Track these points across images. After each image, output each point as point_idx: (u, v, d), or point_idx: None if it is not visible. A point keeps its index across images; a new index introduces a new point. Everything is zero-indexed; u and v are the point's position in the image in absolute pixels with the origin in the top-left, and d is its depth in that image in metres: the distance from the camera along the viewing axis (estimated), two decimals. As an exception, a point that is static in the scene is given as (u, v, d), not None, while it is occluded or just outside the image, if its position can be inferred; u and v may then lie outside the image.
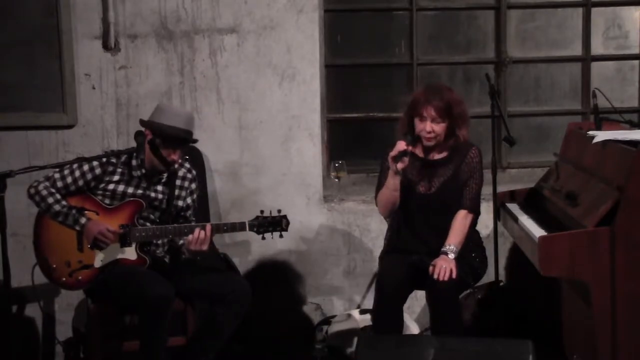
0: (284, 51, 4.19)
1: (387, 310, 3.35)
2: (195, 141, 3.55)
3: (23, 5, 4.03)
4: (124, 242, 3.41)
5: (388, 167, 3.44)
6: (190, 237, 3.33)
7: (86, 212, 3.42)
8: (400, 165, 3.29)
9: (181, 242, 3.49)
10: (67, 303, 4.20)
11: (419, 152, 3.51)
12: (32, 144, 4.13)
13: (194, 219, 3.64)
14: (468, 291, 3.88)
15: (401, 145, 3.28)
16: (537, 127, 4.62)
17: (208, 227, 3.36)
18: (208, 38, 4.16)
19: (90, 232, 3.36)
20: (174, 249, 3.58)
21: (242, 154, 4.25)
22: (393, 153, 3.28)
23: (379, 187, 3.51)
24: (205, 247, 3.35)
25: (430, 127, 3.37)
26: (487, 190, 3.62)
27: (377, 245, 4.12)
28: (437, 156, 3.51)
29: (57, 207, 3.37)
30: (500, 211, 3.81)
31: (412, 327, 3.99)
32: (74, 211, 3.38)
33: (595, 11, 4.53)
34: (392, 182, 3.37)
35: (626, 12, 4.57)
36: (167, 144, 3.39)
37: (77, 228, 3.38)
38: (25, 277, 3.62)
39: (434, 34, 4.52)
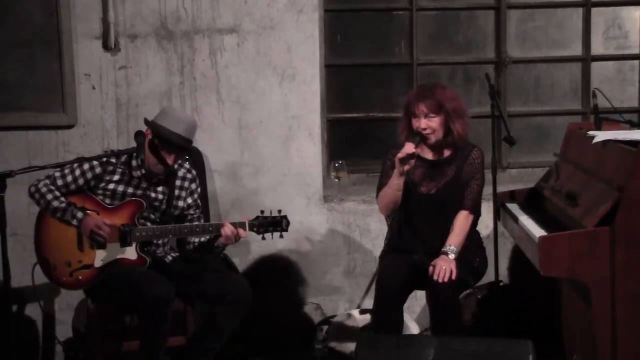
0: (284, 51, 4.19)
1: (387, 310, 3.36)
2: (191, 150, 3.56)
3: (23, 5, 4.03)
4: (124, 241, 3.41)
5: (390, 166, 3.45)
6: (227, 231, 3.34)
7: (87, 211, 3.42)
8: (406, 167, 3.30)
9: (205, 238, 3.49)
10: (67, 303, 4.20)
11: (421, 151, 3.51)
12: (32, 144, 4.13)
13: (202, 216, 3.67)
14: (468, 291, 3.87)
15: (410, 148, 3.28)
16: (537, 127, 4.62)
17: (242, 231, 3.38)
18: (208, 38, 4.16)
19: (86, 226, 3.36)
20: (186, 249, 3.58)
21: (242, 154, 4.25)
22: (401, 155, 3.28)
23: (380, 186, 3.51)
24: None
25: (424, 123, 3.38)
26: (487, 190, 3.62)
27: (377, 245, 4.12)
28: (439, 156, 3.51)
29: (55, 204, 3.38)
30: (500, 211, 3.81)
31: (412, 327, 3.99)
32: (72, 207, 3.39)
33: (595, 11, 4.53)
34: (396, 183, 3.37)
35: (626, 12, 4.57)
36: (164, 146, 3.39)
37: (74, 223, 3.38)
38: (25, 277, 3.62)
39: (434, 34, 4.52)
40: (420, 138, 3.37)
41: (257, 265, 4.31)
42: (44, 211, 3.44)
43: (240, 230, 3.38)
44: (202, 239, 3.52)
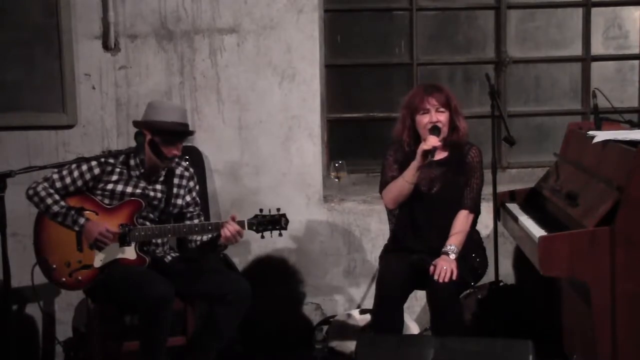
0: (284, 51, 4.19)
1: (387, 310, 3.36)
2: (193, 133, 3.59)
3: (23, 5, 4.03)
4: (124, 241, 3.41)
5: (392, 161, 3.48)
6: (227, 232, 3.34)
7: (86, 212, 3.42)
8: (427, 160, 3.33)
9: (208, 237, 3.49)
10: (67, 303, 4.19)
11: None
12: (32, 144, 4.13)
13: (201, 213, 3.67)
14: (468, 291, 3.88)
15: (435, 141, 3.33)
16: (537, 127, 4.62)
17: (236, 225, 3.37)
18: (208, 38, 4.16)
19: (89, 232, 3.36)
20: (187, 248, 3.58)
21: (242, 154, 4.25)
22: (426, 147, 3.31)
23: (385, 180, 3.52)
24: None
25: (435, 116, 3.40)
26: (487, 190, 3.63)
27: (377, 245, 4.12)
28: (438, 156, 3.51)
29: (55, 208, 3.37)
30: (500, 211, 3.81)
31: (412, 327, 3.99)
32: (72, 212, 3.38)
33: (595, 11, 4.54)
34: (412, 175, 3.39)
35: (626, 12, 4.58)
36: (168, 140, 3.40)
37: (76, 229, 3.38)
38: (25, 277, 3.61)
39: (434, 34, 4.52)
40: (438, 132, 3.38)
41: (257, 265, 4.31)
42: (43, 215, 3.43)
43: (239, 228, 3.37)
44: (204, 238, 3.52)
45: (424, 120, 3.43)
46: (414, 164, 3.36)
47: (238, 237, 3.39)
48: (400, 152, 3.54)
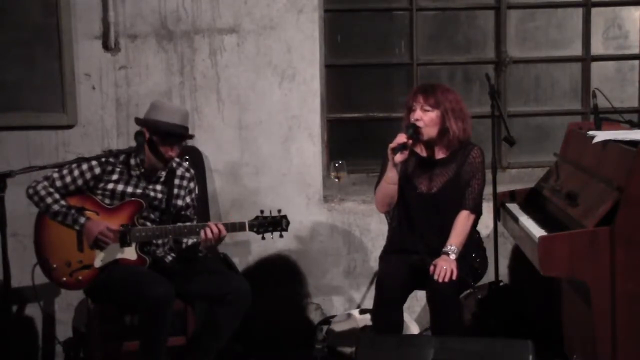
0: (284, 51, 4.19)
1: (387, 310, 3.36)
2: (192, 137, 3.58)
3: (23, 5, 4.03)
4: (124, 242, 3.41)
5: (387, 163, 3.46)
6: (208, 232, 3.32)
7: (86, 212, 3.42)
8: (399, 158, 3.31)
9: (192, 241, 3.49)
10: (67, 303, 4.20)
11: (420, 151, 3.52)
12: (32, 144, 4.13)
13: (195, 217, 3.65)
14: (468, 291, 3.87)
15: (401, 138, 3.30)
16: (537, 127, 4.62)
17: (220, 225, 3.35)
18: (208, 38, 4.16)
19: (90, 231, 3.36)
20: (179, 249, 3.58)
21: (242, 154, 4.25)
22: (393, 145, 3.30)
23: (378, 182, 3.51)
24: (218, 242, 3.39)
25: (418, 114, 3.39)
26: (487, 190, 3.62)
27: (377, 245, 4.12)
28: (439, 156, 3.51)
29: (55, 207, 3.37)
30: (500, 211, 3.81)
31: (412, 327, 3.99)
32: (73, 211, 3.38)
33: (595, 11, 4.53)
34: (391, 175, 3.37)
35: (626, 12, 4.57)
36: (165, 140, 3.40)
37: (77, 228, 3.38)
38: (25, 277, 3.62)
39: (434, 34, 4.52)
40: (413, 130, 3.37)
41: (257, 265, 4.31)
42: (43, 214, 3.43)
43: (222, 228, 3.35)
44: (189, 242, 3.53)
45: (411, 117, 3.43)
46: (389, 164, 3.36)
47: (218, 240, 3.37)
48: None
